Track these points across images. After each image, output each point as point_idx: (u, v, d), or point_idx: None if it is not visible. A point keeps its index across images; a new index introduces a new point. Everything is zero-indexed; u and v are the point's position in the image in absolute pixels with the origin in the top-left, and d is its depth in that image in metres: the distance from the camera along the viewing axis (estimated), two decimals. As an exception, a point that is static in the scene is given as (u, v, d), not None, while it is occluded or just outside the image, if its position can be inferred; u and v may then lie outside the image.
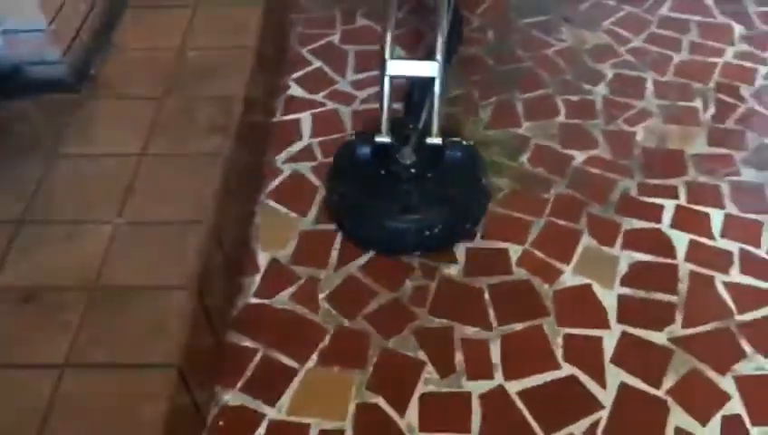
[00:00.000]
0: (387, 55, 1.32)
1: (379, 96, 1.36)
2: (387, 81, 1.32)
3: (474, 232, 1.31)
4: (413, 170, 1.33)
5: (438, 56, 1.32)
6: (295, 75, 1.66)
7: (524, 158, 1.45)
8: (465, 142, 1.37)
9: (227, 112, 1.32)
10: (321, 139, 1.51)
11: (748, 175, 1.39)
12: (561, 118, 1.53)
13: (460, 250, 1.29)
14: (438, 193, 1.32)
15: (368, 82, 1.62)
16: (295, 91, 1.62)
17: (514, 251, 1.28)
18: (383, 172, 1.34)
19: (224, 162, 1.23)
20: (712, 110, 1.53)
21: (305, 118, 1.56)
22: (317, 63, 1.69)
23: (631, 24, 1.76)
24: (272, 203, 1.39)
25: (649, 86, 1.59)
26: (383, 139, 1.34)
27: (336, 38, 1.76)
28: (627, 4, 1.82)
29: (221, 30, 1.50)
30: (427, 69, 1.33)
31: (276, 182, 1.43)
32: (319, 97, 1.61)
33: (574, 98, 1.57)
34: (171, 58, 1.44)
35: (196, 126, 1.29)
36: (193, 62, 1.43)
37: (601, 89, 1.59)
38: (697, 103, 1.55)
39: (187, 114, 1.31)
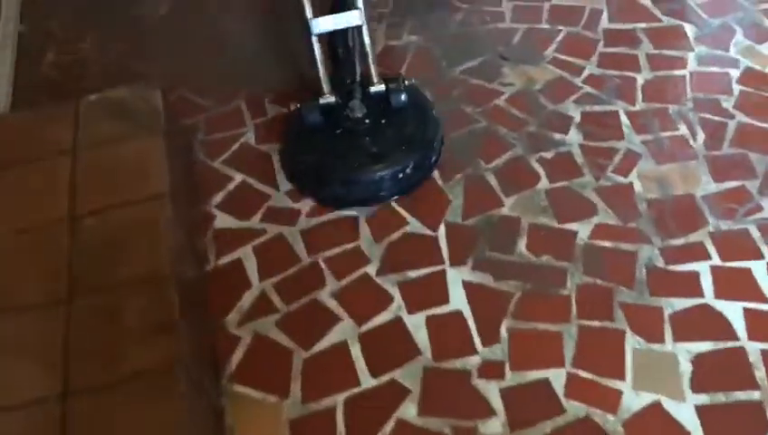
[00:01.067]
0: (308, 15, 1.27)
1: (310, 59, 1.31)
2: (315, 40, 1.29)
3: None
4: (367, 121, 1.34)
5: (359, 3, 1.27)
6: (216, 199, 1.35)
7: (522, 246, 1.21)
8: (405, 81, 1.35)
9: (162, 300, 1.00)
10: (275, 279, 1.21)
11: (769, 206, 1.23)
12: (545, 183, 1.31)
13: (494, 395, 1.04)
14: (398, 135, 1.35)
15: (307, 189, 1.34)
16: (223, 221, 1.32)
17: (556, 378, 1.05)
18: (339, 131, 1.35)
19: (178, 374, 0.92)
20: (701, 134, 1.35)
21: (246, 255, 1.25)
22: (238, 177, 1.39)
23: (575, 47, 1.56)
24: (239, 388, 1.09)
25: (624, 120, 1.40)
26: (328, 99, 1.33)
27: (250, 137, 1.46)
28: (560, 23, 1.62)
29: (118, 178, 1.17)
30: (352, 18, 1.29)
31: (238, 357, 1.12)
32: (254, 223, 1.31)
33: (548, 154, 1.35)
34: (61, 234, 1.10)
35: (126, 334, 0.97)
36: (93, 235, 1.10)
37: (574, 135, 1.38)
38: (683, 130, 1.37)
39: (109, 317, 0.98)
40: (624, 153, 1.34)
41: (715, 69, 1.48)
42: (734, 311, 1.10)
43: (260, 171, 1.39)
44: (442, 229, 1.25)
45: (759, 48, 1.50)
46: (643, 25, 1.59)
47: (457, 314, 1.13)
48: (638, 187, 1.28)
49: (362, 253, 1.23)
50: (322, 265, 1.22)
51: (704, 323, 1.09)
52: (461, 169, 1.34)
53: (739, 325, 1.08)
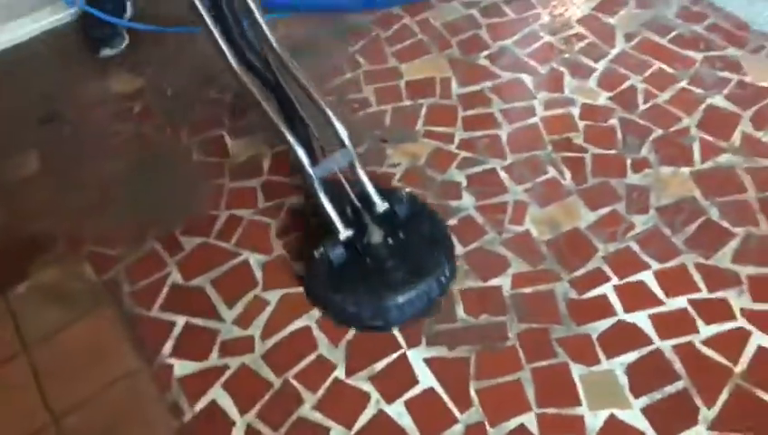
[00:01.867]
0: (306, 164, 1.34)
1: (317, 203, 1.36)
2: (318, 187, 1.35)
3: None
4: (390, 241, 1.41)
5: (346, 141, 1.36)
6: (167, 349, 1.38)
7: (461, 312, 1.38)
8: (400, 193, 1.45)
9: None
10: (255, 409, 1.27)
11: (640, 222, 1.48)
12: (459, 249, 1.48)
13: (484, 454, 1.19)
14: (420, 248, 1.43)
15: (253, 312, 1.42)
16: (182, 368, 1.35)
17: (530, 422, 1.22)
18: (368, 260, 1.39)
19: None
20: (567, 172, 1.60)
21: (219, 395, 1.30)
22: (180, 320, 1.43)
23: (440, 116, 1.75)
24: None
25: (502, 174, 1.61)
26: (347, 234, 1.36)
27: (176, 276, 1.50)
28: (419, 97, 1.81)
29: (83, 365, 1.19)
30: (345, 156, 1.38)
31: (248, 494, 1.19)
32: (213, 360, 1.36)
33: (453, 221, 1.53)
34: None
35: None
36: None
37: (467, 199, 1.57)
38: (552, 172, 1.60)
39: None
40: (513, 205, 1.55)
41: (559, 111, 1.73)
42: (642, 319, 1.33)
43: (199, 308, 1.44)
44: (389, 317, 1.39)
45: (586, 84, 1.79)
46: (489, 84, 1.82)
47: (430, 391, 1.27)
48: (534, 232, 1.49)
49: (326, 359, 1.34)
50: (294, 382, 1.31)
51: (624, 336, 1.31)
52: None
53: (649, 330, 1.31)
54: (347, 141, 1.37)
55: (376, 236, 1.40)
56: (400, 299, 1.35)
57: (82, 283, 1.46)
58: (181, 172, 1.72)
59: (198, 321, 1.42)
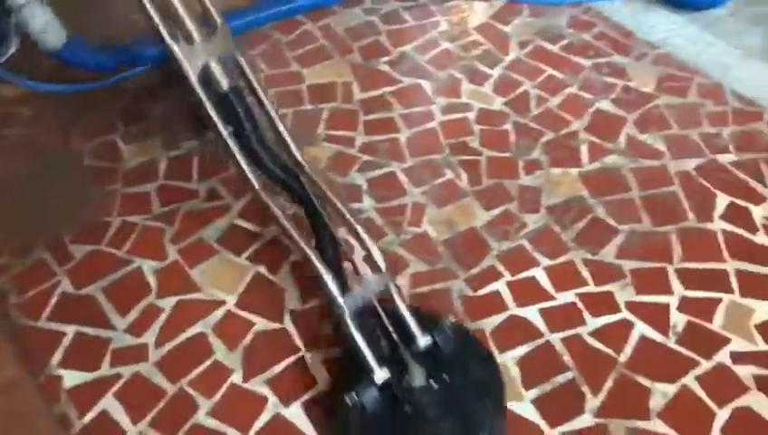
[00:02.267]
0: (337, 298, 1.15)
1: (350, 342, 1.15)
2: (350, 321, 1.15)
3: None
4: (433, 383, 1.17)
5: (381, 264, 1.19)
6: (56, 359, 1.32)
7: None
8: (445, 323, 1.21)
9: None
10: (148, 418, 1.23)
11: (531, 220, 1.54)
12: (358, 251, 1.49)
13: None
14: (468, 393, 1.18)
15: (146, 320, 1.37)
16: (72, 378, 1.29)
17: None
18: (407, 408, 1.15)
19: None
20: (464, 174, 1.64)
21: (110, 405, 1.25)
22: (70, 329, 1.37)
23: (341, 121, 1.77)
24: None
25: (402, 177, 1.64)
26: (383, 375, 1.14)
27: (66, 285, 1.45)
28: (321, 102, 1.82)
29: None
30: (381, 283, 1.20)
31: (139, 506, 1.16)
32: (105, 370, 1.31)
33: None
34: None
35: None
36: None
37: (368, 202, 1.58)
38: (449, 174, 1.64)
39: None
40: (411, 206, 1.58)
41: (456, 115, 1.78)
42: (533, 313, 1.38)
43: (90, 317, 1.39)
44: (287, 320, 1.38)
45: (482, 90, 1.84)
46: (389, 89, 1.85)
47: (328, 393, 1.28)
48: (432, 232, 1.52)
49: (222, 365, 1.32)
50: (188, 389, 1.28)
51: (515, 330, 1.36)
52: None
53: (540, 324, 1.36)
54: (383, 266, 1.21)
55: (417, 377, 1.17)
56: None
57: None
58: (72, 178, 1.67)
59: (89, 330, 1.38)
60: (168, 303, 1.41)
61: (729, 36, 1.98)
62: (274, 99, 1.83)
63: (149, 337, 1.36)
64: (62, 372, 1.31)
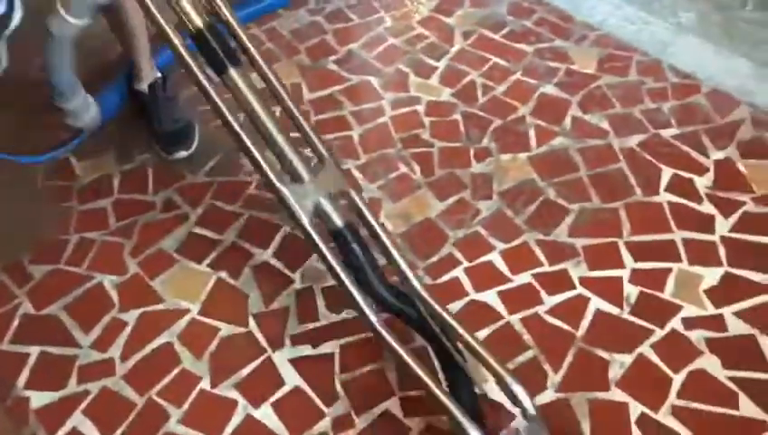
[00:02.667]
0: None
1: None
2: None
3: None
4: None
5: (530, 410, 1.08)
6: (22, 380, 1.32)
7: (323, 309, 1.41)
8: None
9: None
10: (119, 431, 1.24)
11: (485, 207, 1.57)
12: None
13: None
14: None
15: (111, 335, 1.38)
16: (39, 399, 1.29)
17: (395, 406, 1.26)
18: None
19: None
20: (416, 167, 1.67)
21: (80, 422, 1.26)
22: (34, 350, 1.37)
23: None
24: None
25: (357, 174, 1.66)
26: None
27: (28, 306, 1.44)
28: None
29: None
30: (536, 432, 1.08)
31: None
32: (73, 387, 1.30)
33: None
34: None
35: None
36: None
37: (323, 200, 1.61)
38: (403, 168, 1.67)
39: None
40: (371, 201, 1.60)
41: (405, 109, 1.81)
42: (491, 297, 1.41)
43: (54, 336, 1.39)
44: (252, 322, 1.39)
45: (429, 82, 1.87)
46: (338, 88, 1.87)
47: (296, 391, 1.29)
48: (389, 226, 1.54)
49: (190, 372, 1.33)
50: (158, 399, 1.29)
51: (476, 314, 1.39)
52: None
53: (499, 306, 1.40)
54: (533, 412, 1.10)
55: None
56: None
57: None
58: (26, 198, 1.66)
59: (54, 349, 1.37)
60: (131, 316, 1.41)
61: (665, 14, 2.04)
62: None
63: (115, 351, 1.36)
64: (28, 393, 1.31)
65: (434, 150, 1.70)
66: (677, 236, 1.49)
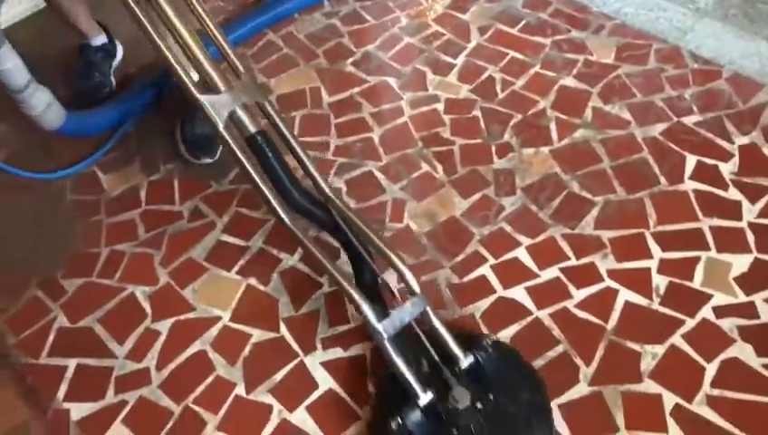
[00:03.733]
0: (374, 323, 1.15)
1: (391, 367, 1.14)
2: (389, 346, 1.15)
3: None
4: (479, 405, 1.16)
5: (415, 287, 1.20)
6: (61, 393, 1.35)
7: (351, 310, 1.42)
8: (485, 340, 1.20)
9: None
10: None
11: (509, 203, 1.57)
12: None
13: (388, 444, 1.24)
14: (515, 413, 1.18)
15: (145, 344, 1.40)
16: (79, 410, 1.32)
17: (426, 406, 1.28)
18: (454, 432, 1.14)
19: None
20: (438, 166, 1.67)
21: (120, 431, 1.29)
22: (71, 363, 1.40)
23: (313, 126, 1.80)
24: None
25: (379, 175, 1.67)
26: (428, 398, 1.13)
27: (62, 320, 1.47)
28: (291, 109, 1.85)
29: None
30: (417, 306, 1.19)
31: None
32: (110, 398, 1.33)
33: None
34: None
35: None
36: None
37: (349, 203, 1.61)
38: (425, 167, 1.67)
39: None
40: (392, 203, 1.61)
41: (425, 108, 1.81)
42: (519, 293, 1.42)
43: (91, 349, 1.42)
44: (283, 327, 1.41)
45: (447, 80, 1.87)
46: (357, 90, 1.88)
47: (330, 393, 1.31)
48: (414, 226, 1.55)
49: (225, 379, 1.34)
50: (194, 407, 1.31)
51: (504, 311, 1.39)
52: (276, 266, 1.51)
53: (527, 302, 1.40)
54: (417, 289, 1.21)
55: (462, 399, 1.15)
56: None
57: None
58: (56, 214, 1.68)
59: (90, 361, 1.40)
60: (164, 325, 1.44)
61: (683, -1, 2.02)
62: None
63: (150, 361, 1.39)
64: (68, 405, 1.34)
65: (455, 148, 1.70)
66: (704, 224, 1.48)
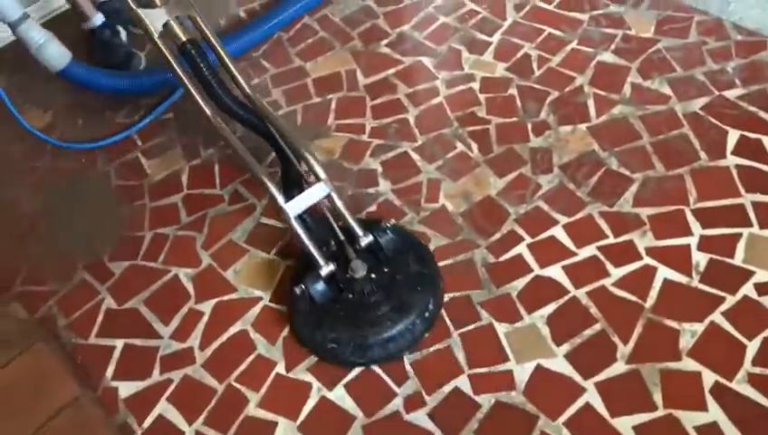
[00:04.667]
0: (281, 202, 1.33)
1: (298, 243, 1.34)
2: (295, 223, 1.33)
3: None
4: (374, 276, 1.37)
5: (320, 174, 1.35)
6: (109, 372, 1.41)
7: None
8: (384, 224, 1.41)
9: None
10: (202, 417, 1.31)
11: (545, 181, 1.57)
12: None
13: (424, 421, 1.26)
14: (405, 282, 1.39)
15: (189, 325, 1.45)
16: (127, 388, 1.38)
17: (463, 384, 1.29)
18: (351, 296, 1.36)
19: None
20: (474, 145, 1.67)
21: (165, 409, 1.34)
22: (119, 343, 1.46)
23: (349, 109, 1.81)
24: None
25: (414, 156, 1.67)
26: (329, 269, 1.34)
27: (110, 302, 1.52)
28: (328, 93, 1.86)
29: (26, 404, 1.21)
30: (321, 190, 1.36)
31: (205, 498, 1.23)
32: (156, 377, 1.38)
33: (372, 208, 1.59)
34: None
35: None
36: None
37: (383, 185, 1.62)
38: (460, 146, 1.67)
39: None
40: (427, 183, 1.61)
41: (460, 87, 1.80)
42: (556, 272, 1.41)
43: (137, 329, 1.47)
44: (320, 308, 1.44)
45: (483, 58, 1.86)
46: (392, 71, 1.88)
47: (367, 372, 1.33)
48: (449, 206, 1.56)
49: (266, 358, 1.38)
50: (237, 385, 1.35)
51: (541, 290, 1.39)
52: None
53: (564, 281, 1.39)
54: (322, 175, 1.36)
55: (359, 270, 1.37)
56: (383, 335, 1.34)
57: (15, 323, 1.48)
58: (102, 199, 1.74)
59: (137, 341, 1.45)
60: (207, 306, 1.48)
61: (726, -32, 1.96)
62: (283, 97, 1.88)
63: (194, 341, 1.43)
64: (117, 383, 1.39)
65: (491, 127, 1.69)
66: (747, 199, 1.45)
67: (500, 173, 1.60)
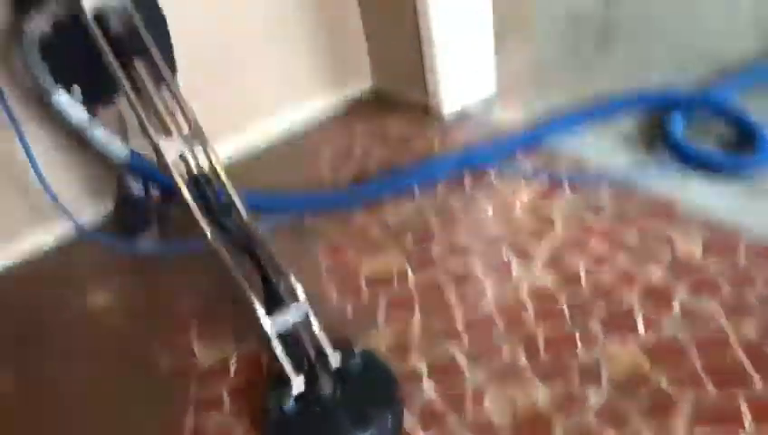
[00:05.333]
0: (261, 318, 1.45)
1: (273, 356, 1.48)
2: (272, 339, 1.47)
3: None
4: (338, 393, 1.55)
5: (300, 296, 1.51)
6: None
7: None
8: (354, 348, 1.60)
9: None
10: None
11: (593, 395, 1.53)
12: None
13: None
14: (367, 399, 1.55)
15: None
16: None
17: None
18: (318, 409, 1.53)
19: None
20: (522, 353, 1.67)
21: None
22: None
23: (394, 304, 1.86)
24: None
25: (461, 359, 1.68)
26: (299, 387, 1.51)
27: None
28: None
29: None
30: (301, 311, 1.51)
31: None
32: None
33: (417, 409, 1.57)
34: None
35: None
36: None
37: (428, 386, 1.62)
38: (509, 353, 1.67)
39: None
40: (472, 388, 1.60)
41: (508, 294, 1.84)
42: None
43: None
44: None
45: (532, 267, 1.91)
46: (442, 273, 1.95)
47: None
48: (494, 412, 1.53)
49: None
50: None
51: None
52: None
53: None
54: (301, 297, 1.52)
55: (326, 387, 1.54)
56: None
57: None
58: (153, 380, 1.77)
59: None
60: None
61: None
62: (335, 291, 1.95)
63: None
64: None
65: (539, 335, 1.71)
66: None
67: (547, 383, 1.58)
